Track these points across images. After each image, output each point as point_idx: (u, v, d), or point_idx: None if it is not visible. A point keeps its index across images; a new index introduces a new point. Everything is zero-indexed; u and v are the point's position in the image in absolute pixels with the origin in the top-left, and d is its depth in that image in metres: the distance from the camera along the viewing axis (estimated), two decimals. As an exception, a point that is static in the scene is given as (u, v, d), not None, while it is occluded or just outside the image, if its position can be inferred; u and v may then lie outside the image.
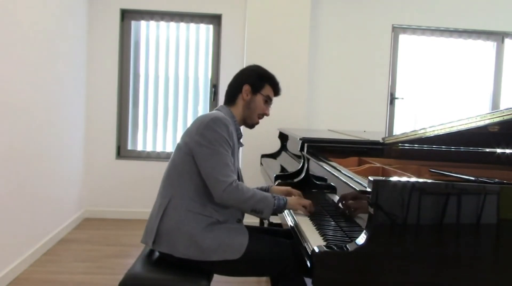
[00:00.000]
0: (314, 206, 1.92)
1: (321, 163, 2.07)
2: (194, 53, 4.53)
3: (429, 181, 1.41)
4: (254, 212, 1.81)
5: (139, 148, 4.59)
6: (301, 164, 2.50)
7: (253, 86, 1.98)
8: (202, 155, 1.78)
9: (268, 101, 2.03)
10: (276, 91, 2.05)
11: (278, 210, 1.86)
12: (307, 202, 1.91)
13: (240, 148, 2.03)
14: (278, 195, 1.89)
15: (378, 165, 2.08)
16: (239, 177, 1.96)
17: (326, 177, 2.06)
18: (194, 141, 1.81)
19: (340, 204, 1.82)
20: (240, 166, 4.34)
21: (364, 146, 2.46)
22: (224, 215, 1.85)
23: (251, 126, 2.06)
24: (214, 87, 4.54)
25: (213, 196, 1.79)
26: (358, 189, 1.49)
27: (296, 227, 1.77)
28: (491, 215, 1.38)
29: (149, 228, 1.85)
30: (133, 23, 4.48)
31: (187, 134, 1.88)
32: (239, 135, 2.00)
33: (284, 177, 2.49)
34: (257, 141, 4.18)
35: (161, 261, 1.85)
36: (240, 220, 1.93)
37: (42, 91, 3.29)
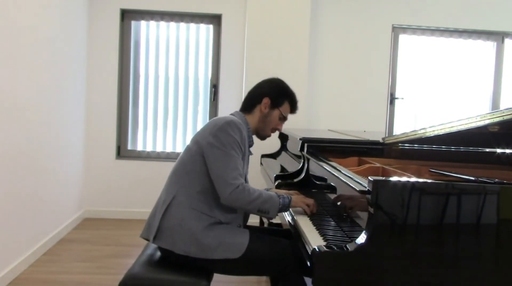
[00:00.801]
0: (317, 207, 1.92)
1: (321, 163, 2.07)
2: (194, 53, 4.53)
3: (429, 181, 1.41)
4: (260, 212, 1.81)
5: (139, 148, 4.59)
6: (301, 164, 2.50)
7: (273, 101, 2.00)
8: (213, 156, 1.79)
9: (283, 118, 2.05)
10: (293, 109, 2.08)
11: (283, 209, 1.86)
12: (311, 201, 1.91)
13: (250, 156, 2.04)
14: (282, 194, 1.90)
15: (378, 165, 2.08)
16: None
17: (326, 177, 2.06)
18: (206, 141, 1.82)
19: (338, 204, 1.82)
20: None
21: (364, 146, 2.46)
22: (227, 218, 1.86)
23: (262, 137, 2.08)
24: (214, 87, 4.54)
25: (219, 197, 1.80)
26: (358, 189, 1.49)
27: (296, 227, 1.77)
28: (491, 215, 1.38)
29: (151, 223, 1.86)
30: (133, 23, 4.48)
31: (200, 134, 1.89)
32: (251, 143, 2.01)
33: (284, 177, 2.49)
34: (257, 141, 4.17)
35: (161, 261, 1.85)
36: (240, 226, 1.94)
37: (42, 91, 3.29)
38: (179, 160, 1.92)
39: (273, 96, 1.99)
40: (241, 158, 1.85)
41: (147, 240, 1.87)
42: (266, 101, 1.98)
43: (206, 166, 1.82)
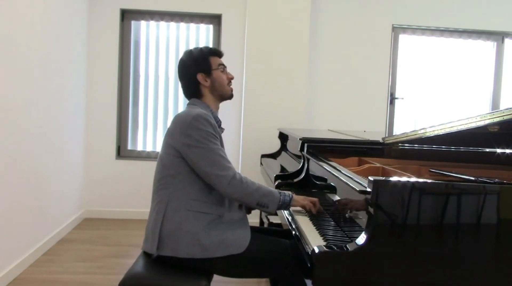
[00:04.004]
0: (320, 209, 1.91)
1: (321, 163, 2.07)
2: (194, 53, 4.52)
3: (429, 181, 1.41)
4: (259, 206, 1.81)
5: (139, 148, 4.59)
6: (301, 164, 2.50)
7: (204, 70, 1.94)
8: (194, 155, 1.77)
9: (223, 68, 1.99)
10: (219, 54, 2.00)
11: (283, 206, 1.86)
12: (311, 203, 1.89)
13: (230, 139, 2.00)
14: (284, 191, 1.89)
15: (378, 165, 2.08)
16: None
17: (326, 177, 2.06)
18: (181, 143, 1.79)
19: (338, 206, 1.81)
20: (239, 165, 4.35)
21: (364, 146, 2.46)
22: (224, 206, 1.85)
23: (229, 97, 2.02)
24: (214, 87, 4.53)
25: (213, 192, 1.79)
26: (358, 189, 1.49)
27: (296, 227, 1.77)
28: (491, 215, 1.38)
29: (150, 234, 1.82)
30: (133, 23, 4.48)
31: (170, 135, 1.85)
32: (219, 123, 1.97)
33: (284, 177, 2.49)
34: (257, 141, 4.18)
35: (161, 261, 1.85)
36: (241, 207, 1.93)
37: (42, 91, 3.29)
38: (160, 167, 1.87)
39: (200, 68, 1.94)
40: (220, 145, 1.83)
41: (151, 253, 1.81)
42: (200, 77, 1.93)
43: (189, 166, 1.79)
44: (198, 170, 1.78)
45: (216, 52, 1.99)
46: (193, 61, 1.95)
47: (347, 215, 1.72)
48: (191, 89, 1.97)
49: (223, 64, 2.00)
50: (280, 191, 1.87)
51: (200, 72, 1.93)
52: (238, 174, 1.78)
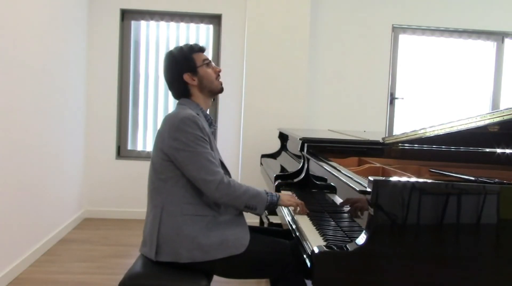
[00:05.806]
0: (306, 208, 1.92)
1: (321, 163, 2.07)
2: (194, 53, 4.52)
3: (429, 181, 1.41)
4: (247, 208, 1.80)
5: (139, 148, 4.59)
6: (301, 164, 2.50)
7: (189, 69, 1.90)
8: (182, 159, 1.75)
9: (208, 63, 1.95)
10: (202, 49, 1.97)
11: (271, 207, 1.86)
12: (297, 203, 1.91)
13: (221, 138, 1.98)
14: (271, 192, 1.89)
15: (378, 165, 2.08)
16: (224, 168, 1.91)
17: (326, 177, 2.06)
18: (169, 146, 1.77)
19: (344, 208, 1.81)
20: (239, 165, 4.35)
21: (364, 146, 2.46)
22: (220, 205, 1.84)
23: (219, 91, 2.00)
24: (214, 87, 4.53)
25: (206, 196, 1.78)
26: (358, 189, 1.48)
27: (296, 227, 1.77)
28: (491, 215, 1.38)
29: (148, 239, 1.81)
30: (133, 23, 4.48)
31: (159, 138, 1.83)
32: (210, 121, 1.95)
33: (284, 177, 2.49)
34: (257, 141, 4.18)
35: (161, 261, 1.84)
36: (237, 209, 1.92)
37: (42, 91, 3.29)
38: (152, 171, 1.86)
39: (185, 67, 1.90)
40: (209, 148, 1.81)
41: (149, 258, 1.80)
42: (187, 76, 1.90)
43: (178, 169, 1.78)
44: (186, 173, 1.77)
45: (198, 48, 1.95)
46: (177, 62, 1.91)
47: (354, 210, 1.72)
48: (180, 90, 1.94)
49: (207, 59, 1.96)
50: (268, 191, 1.87)
51: (186, 72, 1.90)
52: (226, 177, 1.77)
